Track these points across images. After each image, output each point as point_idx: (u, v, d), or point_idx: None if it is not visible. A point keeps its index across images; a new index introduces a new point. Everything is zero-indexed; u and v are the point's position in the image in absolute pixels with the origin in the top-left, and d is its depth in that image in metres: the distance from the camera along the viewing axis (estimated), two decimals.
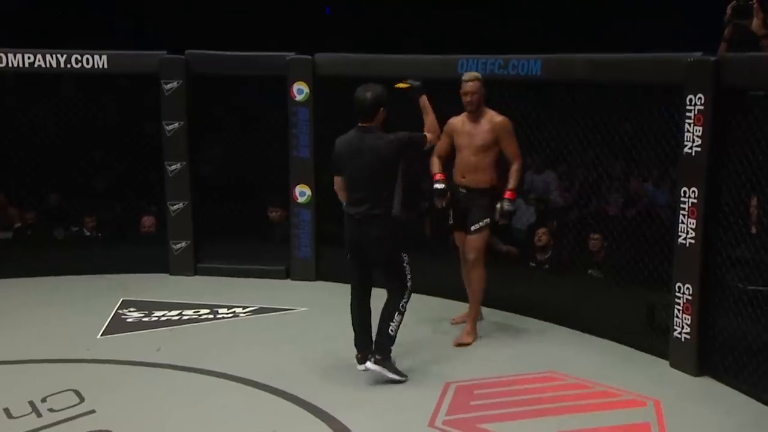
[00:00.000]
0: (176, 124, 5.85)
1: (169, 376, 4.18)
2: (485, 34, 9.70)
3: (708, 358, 4.10)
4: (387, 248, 4.01)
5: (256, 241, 6.21)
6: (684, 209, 4.09)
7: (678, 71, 4.08)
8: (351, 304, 4.18)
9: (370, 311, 4.18)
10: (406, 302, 4.08)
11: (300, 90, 5.74)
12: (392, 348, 4.08)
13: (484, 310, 4.98)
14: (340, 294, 5.59)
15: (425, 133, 4.10)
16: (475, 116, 4.56)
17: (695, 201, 4.03)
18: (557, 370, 4.21)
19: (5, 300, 5.41)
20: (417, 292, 5.43)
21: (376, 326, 4.11)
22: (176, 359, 4.34)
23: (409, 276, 4.06)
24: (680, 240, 4.13)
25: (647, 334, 4.45)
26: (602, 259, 5.11)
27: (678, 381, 4.11)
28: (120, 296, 5.45)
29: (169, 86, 5.80)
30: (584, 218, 5.22)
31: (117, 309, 5.22)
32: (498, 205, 4.48)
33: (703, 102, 3.95)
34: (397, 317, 4.04)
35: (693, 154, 4.03)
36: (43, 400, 3.85)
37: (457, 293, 5.03)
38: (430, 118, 4.13)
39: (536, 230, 5.46)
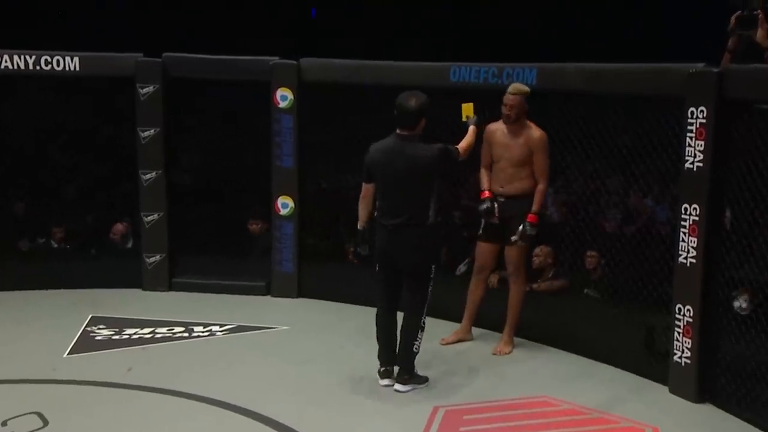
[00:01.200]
0: (152, 131, 5.83)
1: (140, 398, 4.13)
2: (479, 41, 9.77)
3: (709, 383, 4.11)
4: (420, 258, 4.15)
5: (235, 255, 6.18)
6: (685, 227, 4.10)
7: (678, 82, 4.11)
8: (377, 317, 4.28)
9: (397, 325, 4.28)
10: (426, 316, 4.23)
11: (283, 96, 5.74)
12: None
13: (475, 330, 4.99)
14: (324, 312, 5.65)
15: (458, 147, 4.25)
16: (514, 129, 4.65)
17: (696, 218, 4.05)
18: (551, 396, 4.21)
19: None
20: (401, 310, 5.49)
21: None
22: (148, 380, 4.30)
23: (430, 289, 4.20)
24: (681, 259, 4.14)
25: (645, 358, 4.46)
26: (599, 278, 5.12)
27: (677, 408, 4.11)
28: (89, 312, 5.40)
29: (144, 90, 5.78)
30: (581, 235, 5.23)
31: (85, 326, 5.17)
32: (520, 227, 4.59)
33: (705, 115, 3.98)
34: (420, 334, 4.21)
35: (694, 169, 4.05)
36: (4, 423, 3.80)
37: (448, 312, 5.03)
38: (469, 140, 4.33)
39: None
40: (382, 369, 4.26)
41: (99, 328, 5.14)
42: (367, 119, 5.65)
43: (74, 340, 4.91)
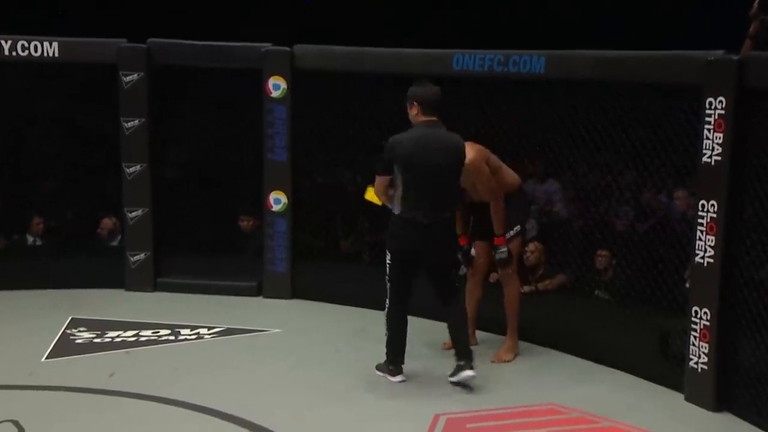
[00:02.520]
0: (136, 122, 5.81)
1: (123, 405, 4.11)
2: (484, 27, 9.74)
3: (728, 391, 4.09)
4: (452, 252, 4.33)
5: (225, 254, 6.17)
6: (702, 225, 4.09)
7: (696, 71, 4.08)
8: (397, 317, 4.30)
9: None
10: None
11: (276, 85, 5.72)
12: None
13: (479, 334, 4.98)
14: (319, 313, 5.64)
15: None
16: None
17: (714, 215, 4.04)
18: (559, 403, 4.19)
19: None
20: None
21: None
22: (131, 386, 4.28)
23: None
24: (697, 259, 4.12)
25: (660, 364, 4.45)
26: (610, 279, 5.10)
27: (694, 417, 4.09)
28: (68, 314, 5.38)
29: (128, 79, 5.76)
30: (590, 233, 5.21)
31: (65, 328, 5.15)
32: (493, 252, 4.62)
33: (723, 106, 3.96)
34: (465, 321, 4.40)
35: (712, 163, 4.03)
36: None
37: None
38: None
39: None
40: (394, 368, 4.36)
41: (79, 331, 5.12)
42: (365, 109, 5.65)
43: (53, 344, 4.88)
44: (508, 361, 4.73)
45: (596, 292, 5.19)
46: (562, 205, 6.09)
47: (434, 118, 4.19)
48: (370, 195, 4.49)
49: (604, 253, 5.10)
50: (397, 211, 4.20)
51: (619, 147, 4.78)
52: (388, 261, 4.26)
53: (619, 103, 4.66)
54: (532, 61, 4.81)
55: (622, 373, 4.57)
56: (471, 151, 4.47)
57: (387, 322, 4.33)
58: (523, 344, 4.92)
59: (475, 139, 4.62)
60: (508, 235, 4.62)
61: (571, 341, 4.85)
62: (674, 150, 4.43)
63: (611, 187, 5.29)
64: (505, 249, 4.59)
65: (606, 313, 4.86)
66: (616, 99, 4.66)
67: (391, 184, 4.21)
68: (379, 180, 4.24)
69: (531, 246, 5.22)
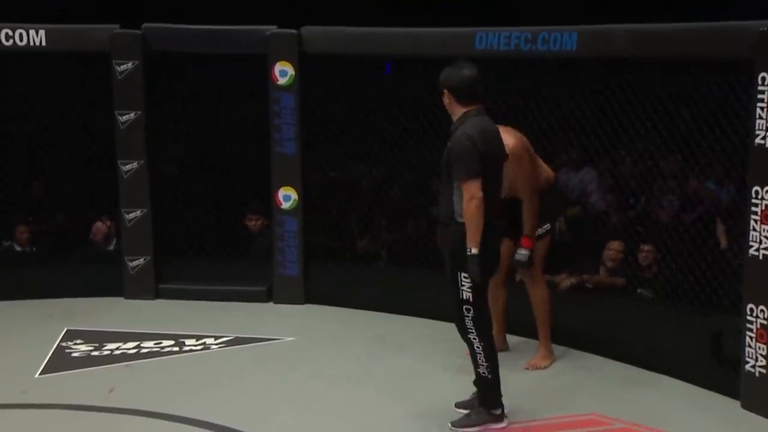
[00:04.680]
0: (132, 115, 5.81)
1: (124, 423, 4.11)
2: (509, 1, 9.67)
3: None
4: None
5: (231, 257, 6.17)
6: (756, 213, 4.04)
7: (747, 43, 4.03)
8: (494, 349, 4.02)
9: None
10: None
11: (283, 72, 5.70)
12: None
13: (511, 338, 4.95)
14: (334, 320, 5.62)
15: None
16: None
17: None
18: (602, 413, 4.16)
19: None
20: (426, 317, 5.46)
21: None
22: (133, 402, 4.28)
23: None
24: (752, 251, 4.08)
25: (712, 368, 4.40)
26: (654, 276, 5.05)
27: (751, 425, 4.05)
28: (64, 325, 5.39)
29: (122, 68, 5.77)
30: (630, 226, 5.17)
31: (60, 341, 5.16)
32: (516, 254, 4.54)
33: None
34: None
35: (767, 145, 3.97)
36: None
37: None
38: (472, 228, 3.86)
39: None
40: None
41: (75, 344, 5.12)
42: (380, 97, 5.62)
43: (47, 358, 4.89)
44: (544, 368, 4.70)
45: (639, 290, 5.15)
46: (598, 195, 6.04)
47: (481, 106, 3.94)
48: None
49: (647, 248, 5.06)
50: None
51: (661, 131, 4.73)
52: (470, 283, 3.83)
53: (660, 82, 4.62)
54: (563, 38, 4.77)
55: (671, 379, 4.54)
56: (511, 137, 4.37)
57: (481, 362, 3.93)
58: (560, 349, 4.89)
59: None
60: (539, 232, 4.58)
61: (613, 345, 4.81)
62: (723, 132, 4.39)
63: (653, 174, 5.24)
64: (527, 253, 4.52)
65: (651, 314, 4.80)
66: (657, 77, 4.61)
67: (449, 182, 3.89)
68: (478, 185, 3.75)
69: (647, 247, 5.09)
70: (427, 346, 4.99)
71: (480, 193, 3.73)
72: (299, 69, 5.68)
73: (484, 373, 3.94)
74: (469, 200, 3.73)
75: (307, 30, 5.73)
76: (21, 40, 5.68)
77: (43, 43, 5.70)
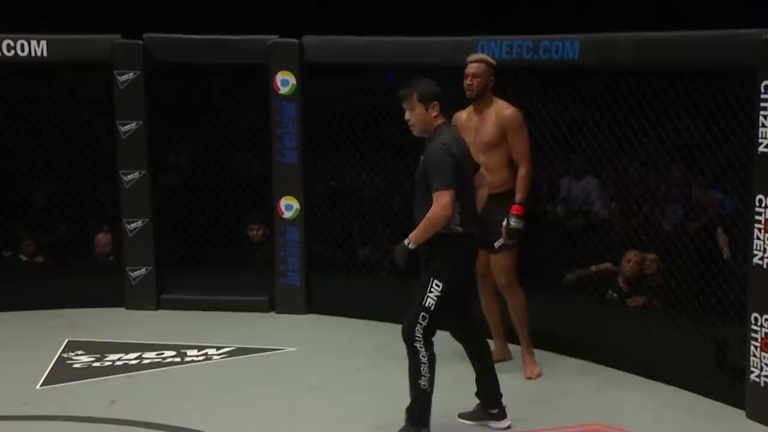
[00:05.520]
0: (133, 125, 5.82)
1: None
2: (510, 9, 9.68)
3: None
4: None
5: (233, 267, 6.17)
6: (760, 222, 4.03)
7: (749, 51, 4.02)
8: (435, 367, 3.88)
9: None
10: None
11: (285, 81, 5.71)
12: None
13: (513, 348, 4.94)
14: (336, 330, 5.61)
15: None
16: (480, 107, 4.62)
17: None
18: (608, 423, 4.14)
19: None
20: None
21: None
22: (135, 414, 4.26)
23: None
24: (756, 260, 4.06)
25: (717, 378, 4.39)
26: (659, 285, 5.04)
27: None
28: (65, 336, 5.38)
29: (124, 78, 5.78)
30: (633, 235, 5.15)
31: (61, 352, 5.15)
32: (504, 222, 4.53)
33: None
34: None
35: None
36: None
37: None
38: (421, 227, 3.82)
39: None
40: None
41: (77, 355, 5.11)
42: (381, 106, 5.62)
43: (48, 369, 4.89)
44: (540, 375, 4.70)
45: (609, 292, 5.15)
46: (601, 204, 6.04)
47: (447, 120, 3.98)
48: None
49: (652, 256, 5.04)
50: (454, 225, 3.81)
51: (663, 139, 4.72)
52: (437, 293, 3.78)
53: (663, 91, 4.61)
54: (565, 47, 4.77)
55: (676, 389, 4.52)
56: (509, 108, 4.57)
57: (423, 373, 3.79)
58: (563, 358, 4.88)
59: None
60: (500, 243, 4.56)
61: (616, 355, 4.80)
62: (726, 140, 4.38)
63: (656, 183, 5.24)
64: (521, 219, 4.52)
65: (654, 323, 4.79)
66: (659, 85, 4.61)
67: (428, 194, 3.81)
68: (449, 197, 3.73)
69: (651, 255, 5.10)
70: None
71: (451, 208, 3.72)
72: (301, 78, 5.69)
73: (424, 385, 3.79)
74: (439, 210, 3.71)
75: (309, 39, 5.74)
76: (23, 50, 5.69)
77: (45, 54, 5.71)
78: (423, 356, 3.78)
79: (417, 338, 3.79)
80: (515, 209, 4.54)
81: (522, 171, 4.56)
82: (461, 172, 3.83)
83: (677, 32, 4.48)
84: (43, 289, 6.00)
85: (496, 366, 4.72)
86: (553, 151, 5.21)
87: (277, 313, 5.91)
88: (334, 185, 6.35)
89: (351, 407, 4.35)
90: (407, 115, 3.87)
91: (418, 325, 3.78)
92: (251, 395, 4.53)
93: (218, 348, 5.21)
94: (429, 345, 3.81)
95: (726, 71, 4.27)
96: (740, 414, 4.19)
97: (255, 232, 6.30)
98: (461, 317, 4.02)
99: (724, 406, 4.30)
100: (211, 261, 6.11)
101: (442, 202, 3.71)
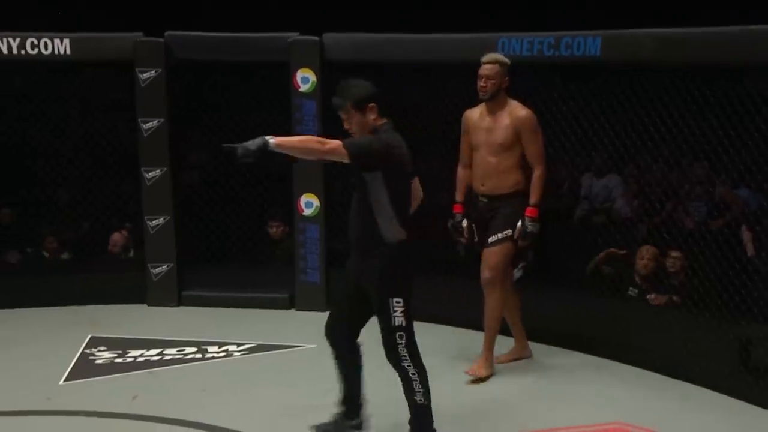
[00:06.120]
0: (155, 122, 5.85)
1: (147, 430, 4.12)
2: (531, 6, 9.63)
3: None
4: None
5: (254, 264, 6.19)
6: None
7: None
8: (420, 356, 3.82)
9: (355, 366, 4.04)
10: None
11: (305, 78, 5.73)
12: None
13: (532, 345, 4.92)
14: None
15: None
16: (494, 108, 4.57)
17: None
18: (626, 422, 4.12)
19: None
20: (448, 324, 5.43)
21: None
22: (156, 410, 4.29)
23: None
24: None
25: (740, 376, 4.36)
26: (682, 283, 5.01)
27: None
28: (87, 332, 5.42)
29: (145, 76, 5.81)
30: (656, 232, 5.12)
31: (84, 348, 5.19)
32: (519, 224, 4.50)
33: None
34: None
35: None
36: None
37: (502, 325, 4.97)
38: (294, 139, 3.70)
39: None
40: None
41: (99, 350, 5.15)
42: (402, 103, 5.61)
43: (71, 365, 4.93)
44: (485, 379, 4.60)
45: (630, 289, 5.12)
46: (623, 201, 6.01)
47: (388, 120, 3.73)
48: None
49: (676, 254, 4.99)
50: (396, 235, 3.65)
51: (687, 136, 4.69)
52: (402, 308, 3.65)
53: (686, 88, 4.58)
54: (586, 43, 4.75)
55: (697, 387, 4.50)
56: (522, 109, 4.53)
57: (417, 389, 3.74)
58: (581, 355, 4.87)
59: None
60: (499, 236, 4.53)
61: (637, 353, 4.77)
62: (750, 137, 4.34)
63: (679, 180, 5.20)
64: (536, 222, 4.49)
65: (677, 321, 4.76)
66: (683, 82, 4.58)
67: (365, 199, 3.65)
68: (343, 154, 3.47)
69: (675, 253, 5.06)
70: (449, 353, 4.98)
71: (329, 156, 3.50)
72: (321, 76, 5.70)
73: (420, 400, 3.73)
74: (323, 145, 3.47)
75: (329, 37, 5.75)
76: (46, 48, 5.74)
77: (68, 52, 5.75)
78: (413, 373, 3.72)
79: (404, 358, 3.72)
80: (530, 212, 4.50)
81: (537, 173, 4.52)
82: (405, 172, 3.68)
83: (702, 28, 4.44)
84: (65, 285, 6.05)
85: (514, 364, 4.73)
86: (575, 149, 5.19)
87: (297, 310, 5.93)
88: (354, 182, 6.32)
89: (371, 405, 4.35)
90: (346, 125, 3.69)
91: (399, 346, 3.70)
92: (271, 392, 4.55)
93: (239, 345, 5.23)
94: (416, 359, 3.73)
95: (751, 68, 4.23)
96: (764, 413, 4.17)
97: (275, 229, 6.32)
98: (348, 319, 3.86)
99: (747, 405, 4.27)
100: (231, 258, 6.13)
101: (333, 145, 3.48)
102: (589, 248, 5.38)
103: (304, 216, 5.86)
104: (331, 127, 5.76)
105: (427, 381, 3.77)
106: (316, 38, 5.75)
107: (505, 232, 4.55)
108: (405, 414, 3.84)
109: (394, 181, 3.63)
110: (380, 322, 3.73)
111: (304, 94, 5.74)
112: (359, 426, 4.01)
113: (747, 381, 4.32)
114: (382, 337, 3.74)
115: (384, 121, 3.71)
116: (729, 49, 4.26)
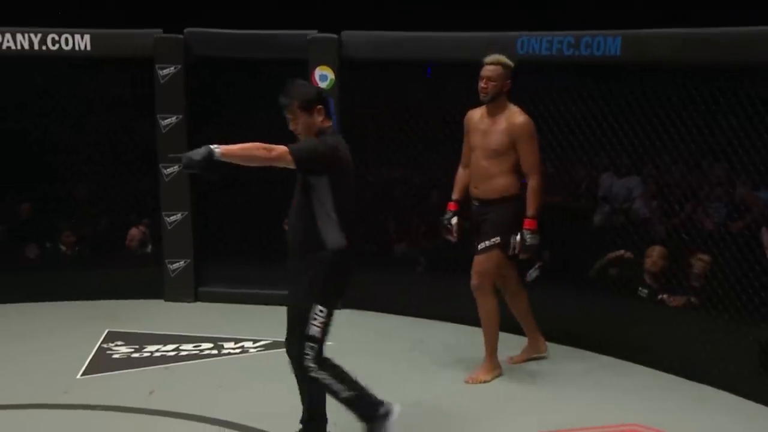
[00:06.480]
0: (173, 118, 5.88)
1: (163, 425, 4.15)
2: (551, 4, 9.61)
3: None
4: None
5: (270, 260, 6.15)
6: None
7: None
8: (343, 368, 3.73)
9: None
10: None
11: (323, 76, 5.73)
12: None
13: (549, 346, 4.91)
14: (371, 325, 5.63)
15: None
16: (493, 111, 4.51)
17: None
18: (643, 424, 4.10)
19: None
20: (465, 323, 5.43)
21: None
22: (173, 405, 4.31)
23: None
24: None
25: (759, 379, 4.33)
26: (702, 285, 4.97)
27: None
28: (105, 327, 5.46)
29: (165, 72, 5.84)
30: (674, 234, 5.09)
31: (101, 343, 5.22)
32: (518, 237, 4.43)
33: None
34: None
35: None
36: None
37: (513, 325, 4.97)
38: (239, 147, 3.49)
39: None
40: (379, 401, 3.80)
41: (116, 345, 5.19)
42: (421, 102, 5.62)
43: (88, 359, 4.96)
44: (485, 382, 4.58)
45: (639, 288, 5.10)
46: (642, 202, 5.98)
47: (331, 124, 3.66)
48: None
49: (703, 257, 4.93)
50: (337, 242, 3.58)
51: (707, 137, 4.66)
52: (322, 319, 3.59)
53: (707, 88, 4.55)
54: (606, 43, 4.73)
55: (715, 390, 4.47)
56: (521, 115, 4.44)
57: (336, 389, 3.63)
58: (595, 356, 4.85)
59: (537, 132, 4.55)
60: (487, 243, 4.48)
61: (654, 355, 4.75)
62: None
63: (699, 181, 5.17)
64: (535, 234, 4.41)
65: (695, 322, 4.74)
66: (703, 83, 4.55)
67: (308, 203, 3.57)
68: (288, 160, 3.41)
69: (703, 256, 4.97)
70: (467, 353, 4.98)
71: (274, 162, 3.40)
72: (339, 73, 5.70)
73: (346, 396, 3.62)
74: (269, 151, 3.39)
75: (348, 34, 5.75)
76: (67, 44, 5.78)
77: (88, 48, 5.79)
78: (324, 378, 3.62)
79: (311, 368, 3.61)
80: (528, 224, 4.40)
81: (532, 183, 4.42)
82: (349, 175, 3.62)
83: (721, 28, 4.41)
84: (83, 280, 6.09)
85: (528, 364, 4.70)
86: (594, 148, 5.17)
87: None
88: (371, 180, 6.35)
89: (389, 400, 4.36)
90: (291, 125, 3.60)
91: (306, 357, 3.60)
92: (287, 388, 4.53)
93: (255, 341, 5.25)
94: (325, 365, 3.62)
95: None
96: None
97: None
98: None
99: (765, 407, 4.24)
100: (249, 254, 6.14)
101: (279, 151, 3.41)
102: (607, 248, 5.35)
103: None
104: (348, 125, 5.79)
105: (345, 373, 3.63)
106: (334, 36, 5.75)
107: (493, 239, 4.47)
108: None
109: (339, 185, 3.56)
110: (295, 326, 3.63)
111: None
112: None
113: (766, 384, 4.29)
114: (293, 341, 3.65)
115: (330, 123, 3.64)
116: (749, 49, 4.24)
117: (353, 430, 3.77)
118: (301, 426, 3.86)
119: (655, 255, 5.10)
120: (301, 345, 3.60)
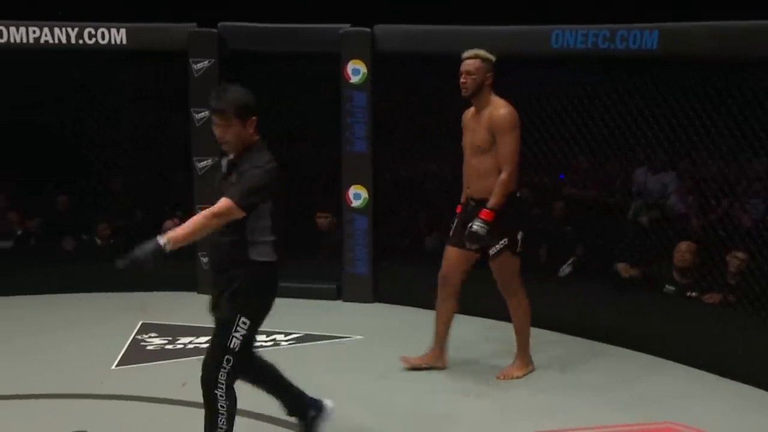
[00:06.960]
0: (207, 112, 5.91)
1: (196, 417, 4.14)
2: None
3: None
4: None
5: (301, 254, 6.19)
6: None
7: None
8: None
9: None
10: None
11: (356, 70, 5.74)
12: None
13: (577, 341, 4.88)
14: (403, 319, 5.64)
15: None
16: (479, 106, 4.41)
17: None
18: (675, 421, 4.07)
19: (2, 321, 5.55)
20: (494, 318, 5.41)
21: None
22: None
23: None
24: None
25: None
26: (738, 282, 4.91)
27: None
28: (139, 319, 5.53)
29: (199, 66, 5.89)
30: (711, 230, 5.03)
31: (135, 334, 5.29)
32: (469, 225, 4.32)
33: None
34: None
35: None
36: None
37: (551, 321, 4.98)
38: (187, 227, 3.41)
39: None
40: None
41: (150, 337, 5.25)
42: (453, 96, 5.59)
43: (123, 350, 5.03)
44: (517, 378, 4.56)
45: (666, 286, 5.06)
46: (677, 197, 5.91)
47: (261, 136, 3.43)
48: None
49: (740, 255, 4.86)
50: (265, 255, 3.44)
51: (746, 132, 4.60)
52: (245, 331, 3.42)
53: (746, 82, 4.49)
54: (642, 36, 4.69)
55: (750, 387, 4.43)
56: (504, 107, 4.31)
57: (220, 425, 3.46)
58: (630, 352, 4.81)
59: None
60: (494, 250, 4.41)
61: (690, 351, 4.71)
62: None
63: (737, 177, 5.10)
64: (485, 226, 4.26)
65: (730, 319, 4.68)
66: (742, 77, 4.48)
67: (242, 221, 3.36)
68: (233, 214, 3.29)
69: (740, 254, 4.89)
70: (496, 347, 4.97)
71: (225, 222, 3.28)
72: (372, 67, 5.71)
73: (221, 406, 3.43)
74: (217, 217, 3.26)
75: (380, 28, 5.75)
76: (103, 38, 5.85)
77: (124, 42, 5.86)
78: (222, 406, 3.43)
79: (219, 385, 3.42)
80: (484, 214, 4.28)
81: (503, 175, 4.27)
82: (281, 199, 3.45)
83: (760, 21, 4.36)
84: (118, 272, 6.10)
85: (427, 372, 4.58)
86: (628, 143, 5.13)
87: (345, 301, 5.97)
88: (403, 174, 6.35)
89: (417, 396, 4.37)
90: (219, 132, 3.35)
91: (222, 369, 3.41)
92: (318, 382, 4.55)
93: (286, 334, 5.28)
94: (230, 393, 3.44)
95: None
96: None
97: (323, 220, 6.35)
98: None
99: None
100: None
101: (224, 210, 3.26)
102: (642, 244, 5.31)
103: (352, 207, 5.89)
104: (381, 119, 5.80)
105: (234, 417, 3.47)
106: (367, 29, 5.76)
107: (502, 242, 4.40)
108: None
109: (277, 207, 3.42)
110: (214, 337, 3.47)
111: (354, 86, 5.76)
112: (318, 412, 3.81)
113: None
114: (208, 354, 3.48)
115: (258, 137, 3.41)
116: None
117: None
118: (298, 418, 3.82)
119: (683, 250, 5.04)
120: (217, 357, 3.41)
